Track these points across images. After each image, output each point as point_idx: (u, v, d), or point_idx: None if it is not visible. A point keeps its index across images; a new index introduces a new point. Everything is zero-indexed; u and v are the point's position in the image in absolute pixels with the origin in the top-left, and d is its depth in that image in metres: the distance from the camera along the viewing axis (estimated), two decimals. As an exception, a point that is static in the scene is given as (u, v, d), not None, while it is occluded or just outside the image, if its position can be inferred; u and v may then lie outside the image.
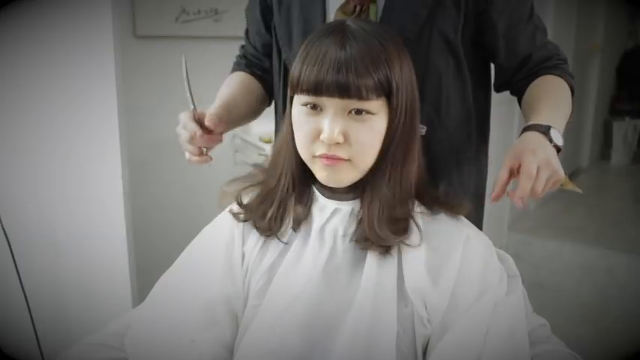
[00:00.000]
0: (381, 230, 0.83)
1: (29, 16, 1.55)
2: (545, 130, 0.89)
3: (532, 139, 0.89)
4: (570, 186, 0.99)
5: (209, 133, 0.99)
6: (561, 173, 0.86)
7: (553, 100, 0.99)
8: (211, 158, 1.01)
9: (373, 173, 0.85)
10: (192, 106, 1.00)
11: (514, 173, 0.86)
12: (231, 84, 1.17)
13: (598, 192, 4.44)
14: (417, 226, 0.85)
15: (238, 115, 1.11)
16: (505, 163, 0.87)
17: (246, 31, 1.22)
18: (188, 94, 1.00)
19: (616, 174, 4.96)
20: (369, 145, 0.82)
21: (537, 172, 0.84)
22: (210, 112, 1.00)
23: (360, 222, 0.86)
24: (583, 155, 4.89)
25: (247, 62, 1.22)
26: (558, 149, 0.89)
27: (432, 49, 0.99)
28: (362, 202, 0.86)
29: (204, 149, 1.00)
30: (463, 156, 1.06)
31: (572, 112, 1.02)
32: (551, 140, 0.89)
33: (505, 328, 0.83)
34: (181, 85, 1.00)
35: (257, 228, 0.90)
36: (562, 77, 1.03)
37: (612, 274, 2.92)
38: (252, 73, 1.20)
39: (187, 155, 1.01)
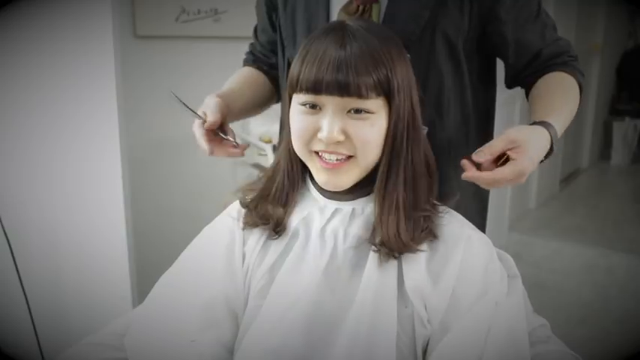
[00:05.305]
0: (403, 235, 0.82)
1: (29, 16, 1.55)
2: (554, 135, 0.91)
3: (540, 140, 0.90)
4: None
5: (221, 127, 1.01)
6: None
7: (562, 100, 1.00)
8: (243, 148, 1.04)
9: (384, 178, 0.85)
10: (200, 120, 0.99)
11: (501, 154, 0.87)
12: (239, 73, 1.22)
13: (598, 192, 4.44)
14: (432, 230, 0.85)
15: (244, 103, 1.13)
16: (503, 139, 0.87)
17: (255, 28, 1.25)
18: (192, 113, 1.00)
19: (616, 174, 4.95)
20: (371, 141, 0.82)
21: (514, 178, 0.86)
22: (209, 119, 0.99)
23: (377, 227, 0.85)
24: (583, 155, 4.89)
25: (255, 58, 1.25)
26: (550, 152, 0.92)
27: (434, 50, 0.99)
28: (377, 206, 0.85)
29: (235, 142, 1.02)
30: (461, 156, 1.06)
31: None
32: (552, 148, 0.91)
33: (505, 329, 0.83)
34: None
35: (259, 225, 0.90)
36: (572, 75, 1.03)
37: (612, 274, 2.92)
38: (260, 68, 1.23)
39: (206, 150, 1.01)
